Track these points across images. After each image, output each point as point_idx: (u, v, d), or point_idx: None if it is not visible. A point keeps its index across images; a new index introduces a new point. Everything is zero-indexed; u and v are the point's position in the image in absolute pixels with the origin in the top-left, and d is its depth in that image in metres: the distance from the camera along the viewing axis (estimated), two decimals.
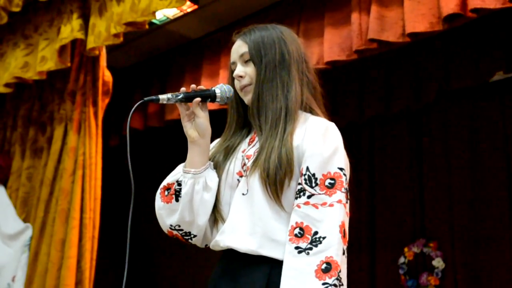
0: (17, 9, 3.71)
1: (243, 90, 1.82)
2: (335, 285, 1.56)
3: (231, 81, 1.86)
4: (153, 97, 1.72)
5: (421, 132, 4.63)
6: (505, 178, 4.15)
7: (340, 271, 1.58)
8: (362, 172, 4.74)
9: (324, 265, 1.58)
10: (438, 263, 4.35)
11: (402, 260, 4.51)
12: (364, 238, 4.63)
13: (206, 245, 1.87)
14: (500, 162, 4.19)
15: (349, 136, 4.59)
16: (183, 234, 1.81)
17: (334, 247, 1.59)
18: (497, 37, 3.80)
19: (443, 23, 2.90)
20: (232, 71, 1.85)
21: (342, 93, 4.52)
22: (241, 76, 1.81)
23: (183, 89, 1.75)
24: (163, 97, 1.71)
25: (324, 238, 1.60)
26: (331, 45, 3.42)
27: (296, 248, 1.60)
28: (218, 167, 1.81)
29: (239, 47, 1.84)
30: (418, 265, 4.46)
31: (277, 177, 1.65)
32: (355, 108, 4.48)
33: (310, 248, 1.59)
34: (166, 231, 1.85)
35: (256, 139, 1.80)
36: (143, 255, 5.46)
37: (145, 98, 1.72)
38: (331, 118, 1.82)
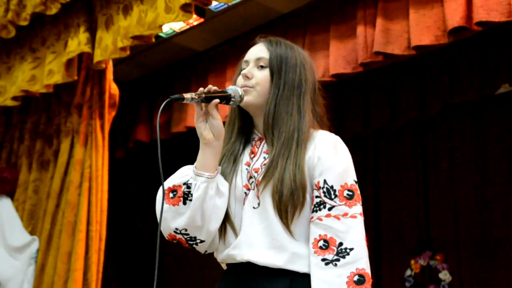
0: (25, 23, 3.74)
1: (244, 88, 1.78)
2: None
3: (237, 77, 1.85)
4: (178, 95, 1.68)
5: (426, 144, 4.62)
6: (511, 190, 4.14)
7: (371, 284, 1.60)
8: (368, 184, 4.72)
9: (357, 277, 1.59)
10: (444, 275, 4.33)
11: (408, 272, 4.49)
12: (369, 251, 4.60)
13: (206, 251, 1.82)
14: (506, 174, 4.18)
15: (354, 148, 4.57)
16: (188, 238, 1.74)
17: (364, 259, 1.62)
18: (503, 49, 3.80)
19: (448, 36, 2.91)
20: (241, 69, 1.84)
21: (347, 105, 4.53)
22: (247, 77, 1.80)
23: (201, 89, 1.72)
24: (187, 96, 1.68)
25: (351, 249, 1.61)
26: (337, 58, 3.43)
27: (323, 260, 1.60)
28: (225, 178, 1.78)
29: (260, 50, 1.83)
30: (425, 278, 4.44)
31: (289, 205, 1.64)
32: (361, 120, 4.49)
33: (338, 260, 1.60)
34: (167, 235, 1.75)
35: (258, 151, 1.79)
36: (154, 264, 5.44)
37: (171, 96, 1.68)
38: (336, 132, 1.82)
